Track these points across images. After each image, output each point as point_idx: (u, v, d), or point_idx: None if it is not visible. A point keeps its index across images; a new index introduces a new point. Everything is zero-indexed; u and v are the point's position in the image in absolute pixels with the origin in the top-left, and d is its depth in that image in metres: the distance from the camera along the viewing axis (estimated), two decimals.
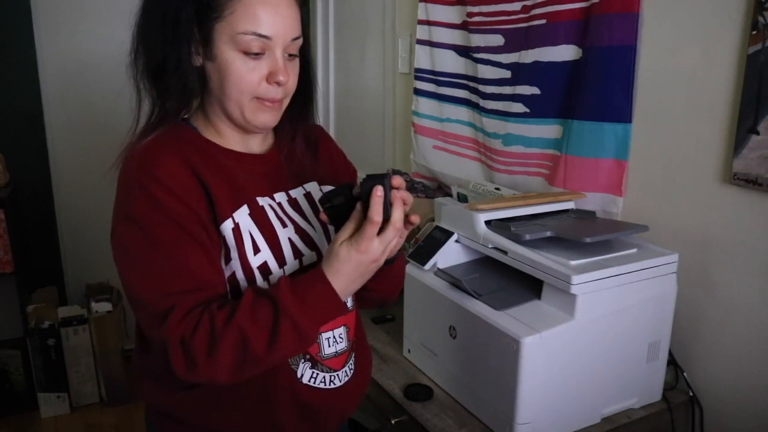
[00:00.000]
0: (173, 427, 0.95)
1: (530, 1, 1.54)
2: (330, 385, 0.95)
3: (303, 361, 0.92)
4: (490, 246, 1.21)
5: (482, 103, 1.72)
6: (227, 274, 0.87)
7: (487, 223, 1.24)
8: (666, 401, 1.24)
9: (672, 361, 1.27)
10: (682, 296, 1.22)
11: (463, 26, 1.76)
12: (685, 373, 1.29)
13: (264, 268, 0.88)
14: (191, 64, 0.85)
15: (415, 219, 0.85)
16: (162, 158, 0.84)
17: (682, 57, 1.25)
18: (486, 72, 1.69)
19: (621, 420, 1.19)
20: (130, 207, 0.83)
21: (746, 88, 1.12)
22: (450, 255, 1.30)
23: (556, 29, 1.47)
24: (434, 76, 1.91)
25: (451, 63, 1.84)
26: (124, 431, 2.42)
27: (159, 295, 0.81)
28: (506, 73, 1.64)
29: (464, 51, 1.78)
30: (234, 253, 0.86)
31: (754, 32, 1.10)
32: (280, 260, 0.89)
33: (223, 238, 0.86)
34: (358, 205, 0.82)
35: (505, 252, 1.18)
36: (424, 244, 1.32)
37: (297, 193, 0.97)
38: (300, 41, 0.89)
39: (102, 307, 2.55)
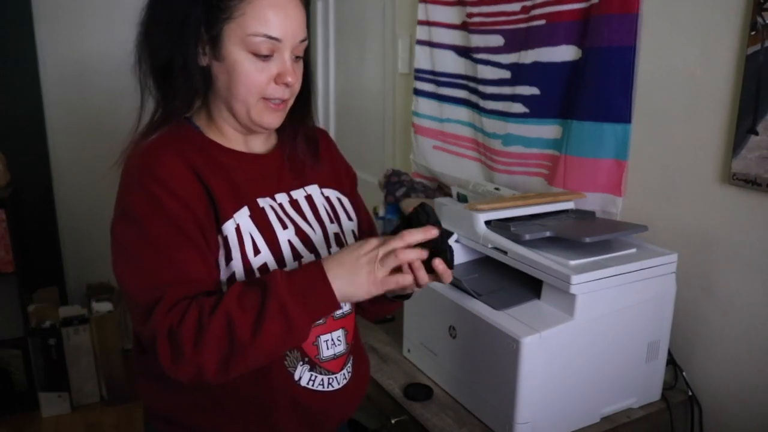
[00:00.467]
0: (171, 430, 0.96)
1: (530, 1, 1.54)
2: (328, 387, 0.95)
3: (301, 363, 0.92)
4: (489, 246, 1.21)
5: (482, 103, 1.73)
6: (227, 274, 0.87)
7: (487, 223, 1.24)
8: (665, 401, 1.25)
9: (671, 361, 1.27)
10: (682, 296, 1.23)
11: (463, 27, 1.77)
12: (684, 373, 1.29)
13: (264, 269, 0.88)
14: (197, 64, 0.86)
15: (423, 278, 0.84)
16: (164, 157, 0.84)
17: (681, 57, 1.25)
18: (486, 72, 1.69)
19: (620, 419, 1.19)
20: (129, 204, 0.83)
21: (745, 88, 1.13)
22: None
23: (555, 30, 1.47)
24: (434, 76, 1.91)
25: (450, 63, 1.84)
26: (125, 431, 2.42)
27: (147, 288, 0.81)
28: (506, 74, 1.64)
29: (464, 51, 1.78)
30: (236, 253, 0.86)
31: (753, 33, 1.10)
32: (280, 262, 0.90)
33: (225, 238, 0.86)
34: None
35: (504, 252, 1.18)
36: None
37: (298, 194, 0.97)
38: (306, 43, 0.90)
39: (103, 306, 2.56)
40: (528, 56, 1.55)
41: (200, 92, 0.89)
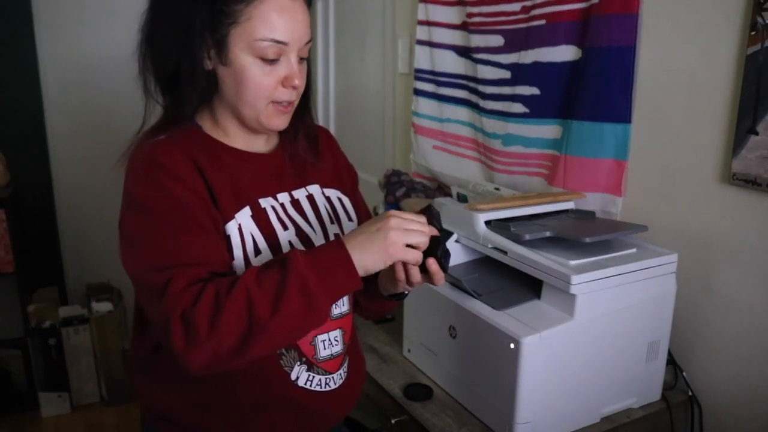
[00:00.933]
0: (169, 430, 0.96)
1: (530, 1, 1.54)
2: (325, 387, 0.96)
3: (299, 363, 0.92)
4: (489, 246, 1.21)
5: (482, 103, 1.73)
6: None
7: (487, 223, 1.24)
8: (665, 401, 1.25)
9: (671, 361, 1.27)
10: (682, 296, 1.23)
11: (463, 27, 1.77)
12: (684, 373, 1.29)
13: None
14: (204, 69, 0.86)
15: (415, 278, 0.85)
16: (169, 150, 0.85)
17: (681, 57, 1.25)
18: (486, 72, 1.69)
19: (620, 419, 1.19)
20: (135, 195, 0.83)
21: (745, 88, 1.13)
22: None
23: (555, 30, 1.47)
24: (434, 76, 1.91)
25: (450, 63, 1.84)
26: (125, 431, 2.43)
27: (157, 270, 0.78)
28: (506, 74, 1.64)
29: (464, 51, 1.78)
30: (237, 252, 0.86)
31: (753, 33, 1.10)
32: None
33: (228, 238, 0.86)
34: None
35: (504, 252, 1.18)
36: None
37: (300, 194, 0.97)
38: (310, 44, 0.90)
39: (103, 306, 2.55)
40: (528, 56, 1.55)
41: (208, 97, 0.89)
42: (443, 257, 0.85)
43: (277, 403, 0.92)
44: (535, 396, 1.08)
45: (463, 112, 1.83)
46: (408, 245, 0.81)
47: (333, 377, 0.97)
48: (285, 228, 0.91)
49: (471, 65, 1.76)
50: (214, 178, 0.86)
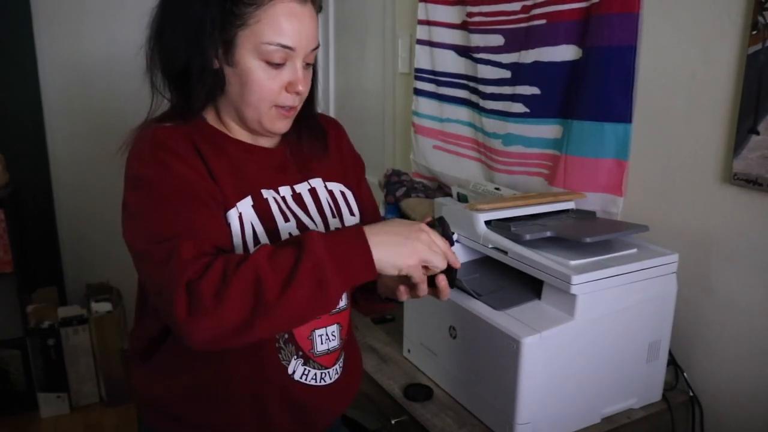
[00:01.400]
0: (163, 422, 0.96)
1: (530, 1, 1.54)
2: (321, 382, 0.96)
3: (296, 357, 0.93)
4: (490, 246, 1.21)
5: (482, 103, 1.72)
6: None
7: (487, 223, 1.23)
8: (666, 401, 1.24)
9: (672, 361, 1.27)
10: (682, 296, 1.22)
11: (463, 26, 1.76)
12: (685, 373, 1.29)
13: None
14: (212, 67, 0.86)
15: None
16: (171, 132, 0.85)
17: (682, 57, 1.25)
18: (486, 72, 1.69)
19: (621, 420, 1.19)
20: (138, 172, 0.83)
21: (746, 88, 1.12)
22: None
23: (556, 29, 1.47)
24: (434, 76, 1.91)
25: (451, 63, 1.84)
26: (124, 431, 2.42)
27: (159, 241, 0.77)
28: (506, 73, 1.63)
29: (464, 51, 1.78)
30: (237, 241, 0.86)
31: (754, 32, 1.10)
32: None
33: (228, 226, 0.86)
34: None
35: (505, 252, 1.18)
36: None
37: (302, 188, 0.97)
38: (317, 50, 0.90)
39: (102, 307, 2.55)
40: (528, 56, 1.55)
41: (215, 95, 0.89)
42: (453, 274, 0.85)
43: (273, 396, 0.93)
44: (535, 396, 1.07)
45: (463, 112, 1.83)
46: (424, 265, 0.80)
47: (329, 372, 0.97)
48: (286, 220, 0.92)
49: (471, 65, 1.75)
50: (215, 165, 0.87)
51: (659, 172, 1.32)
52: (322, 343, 0.95)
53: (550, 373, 1.08)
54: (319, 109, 1.04)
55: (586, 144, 1.43)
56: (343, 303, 0.99)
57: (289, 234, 0.91)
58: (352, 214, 1.02)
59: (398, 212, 1.81)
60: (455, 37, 1.81)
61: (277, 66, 0.86)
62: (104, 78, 2.69)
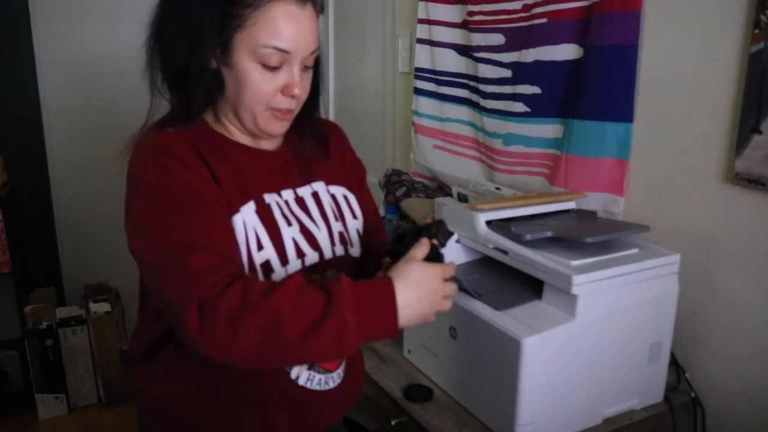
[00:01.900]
0: (164, 424, 0.95)
1: (531, 0, 1.53)
2: (324, 386, 0.95)
3: None
4: (490, 246, 1.20)
5: (483, 102, 1.72)
6: None
7: (488, 223, 1.23)
8: (668, 402, 1.24)
9: (674, 362, 1.26)
10: (684, 296, 1.21)
11: (464, 25, 1.76)
12: (686, 374, 1.28)
13: (267, 266, 0.88)
14: (211, 68, 0.85)
15: None
16: (175, 138, 0.85)
17: (683, 56, 1.24)
18: (486, 71, 1.69)
19: (622, 421, 1.18)
20: (144, 179, 0.82)
21: (748, 87, 1.12)
22: (450, 255, 1.29)
23: (557, 28, 1.46)
24: (434, 75, 1.90)
25: (451, 62, 1.83)
26: None
27: (167, 252, 0.77)
28: (507, 73, 1.63)
29: (465, 50, 1.78)
30: (241, 246, 0.86)
31: (757, 31, 1.10)
32: (283, 259, 0.89)
33: (233, 231, 0.85)
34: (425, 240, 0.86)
35: (505, 252, 1.17)
36: None
37: (304, 191, 0.96)
38: (317, 53, 0.89)
39: (100, 307, 2.54)
40: (529, 55, 1.54)
41: (215, 96, 0.89)
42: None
43: (276, 401, 0.92)
44: (536, 397, 1.07)
45: (463, 112, 1.83)
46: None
47: (332, 376, 0.97)
48: (289, 224, 0.91)
49: (472, 64, 1.75)
50: (219, 170, 0.86)
51: (661, 172, 1.31)
52: None
53: (550, 374, 1.07)
54: (320, 109, 1.03)
55: (587, 143, 1.42)
56: None
57: (293, 239, 0.90)
58: (354, 217, 1.02)
59: (398, 212, 1.80)
60: (456, 36, 1.80)
61: (273, 69, 0.85)
62: (103, 78, 2.69)
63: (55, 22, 2.60)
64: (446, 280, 0.83)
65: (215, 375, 0.89)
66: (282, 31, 0.83)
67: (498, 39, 1.64)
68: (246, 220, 0.87)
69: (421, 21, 1.91)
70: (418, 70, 1.96)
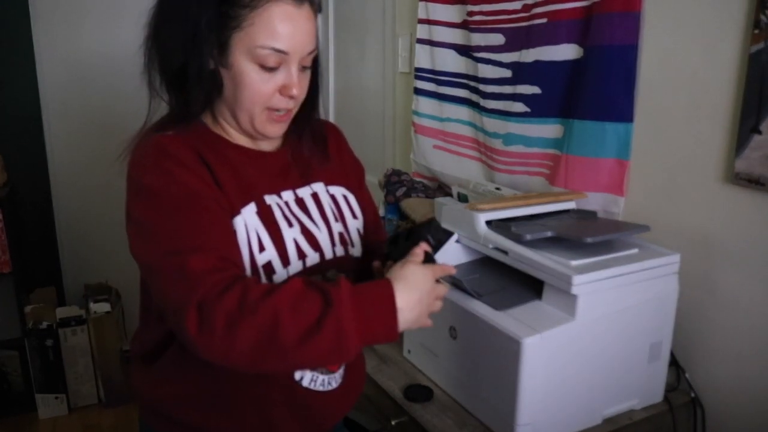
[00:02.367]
0: (165, 425, 0.95)
1: (531, 0, 1.53)
2: (327, 387, 0.96)
3: None
4: (490, 246, 1.20)
5: (483, 102, 1.72)
6: None
7: (488, 223, 1.23)
8: (668, 402, 1.24)
9: (674, 362, 1.26)
10: (684, 296, 1.21)
11: (464, 25, 1.76)
12: (686, 374, 1.28)
13: (268, 267, 0.88)
14: (209, 69, 0.85)
15: None
16: (175, 141, 0.85)
17: (683, 56, 1.24)
18: (486, 71, 1.69)
19: (622, 421, 1.18)
20: (144, 182, 0.82)
21: (748, 87, 1.12)
22: (450, 255, 1.29)
23: (557, 28, 1.46)
24: (434, 75, 1.90)
25: (451, 62, 1.83)
26: None
27: (168, 254, 0.77)
28: (507, 73, 1.63)
29: (465, 50, 1.78)
30: (243, 248, 0.86)
31: (756, 31, 1.10)
32: (285, 260, 0.89)
33: (234, 233, 0.85)
34: (424, 245, 0.87)
35: (505, 252, 1.17)
36: None
37: (304, 192, 0.96)
38: (315, 53, 0.89)
39: (100, 307, 2.54)
40: (529, 55, 1.54)
41: (214, 97, 0.89)
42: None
43: (278, 402, 0.92)
44: (536, 397, 1.07)
45: (463, 112, 1.83)
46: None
47: (334, 376, 0.97)
48: (290, 225, 0.91)
49: (472, 64, 1.75)
50: (219, 171, 0.86)
51: (661, 172, 1.31)
52: None
53: (550, 374, 1.07)
54: (319, 109, 1.03)
55: (587, 143, 1.42)
56: None
57: (294, 240, 0.90)
58: (354, 217, 1.02)
59: (398, 212, 1.80)
60: (456, 36, 1.80)
61: (271, 69, 0.84)
62: (103, 78, 2.69)
63: (55, 21, 2.60)
64: (437, 281, 0.84)
65: (218, 377, 0.89)
66: (279, 31, 0.82)
67: (498, 39, 1.64)
68: (247, 221, 0.87)
69: (421, 21, 1.91)
70: (418, 70, 1.96)
